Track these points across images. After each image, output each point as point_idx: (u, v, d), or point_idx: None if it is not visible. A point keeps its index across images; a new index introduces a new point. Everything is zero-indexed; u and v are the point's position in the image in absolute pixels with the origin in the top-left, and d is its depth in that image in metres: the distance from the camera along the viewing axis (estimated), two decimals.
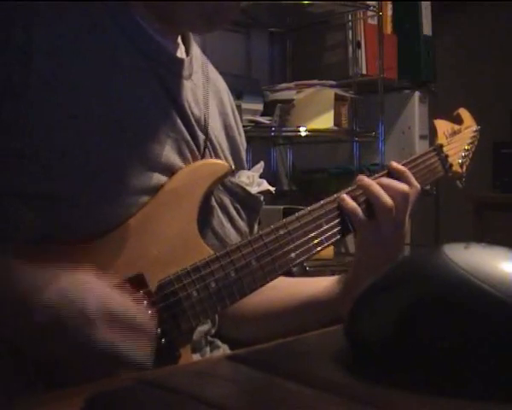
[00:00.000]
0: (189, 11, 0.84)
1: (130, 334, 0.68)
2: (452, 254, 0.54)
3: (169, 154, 0.83)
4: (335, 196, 0.91)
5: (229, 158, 0.95)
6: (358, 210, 0.89)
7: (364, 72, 2.62)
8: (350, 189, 0.92)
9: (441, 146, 1.06)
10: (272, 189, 1.00)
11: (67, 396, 0.56)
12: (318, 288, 0.99)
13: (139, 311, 0.71)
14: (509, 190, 2.65)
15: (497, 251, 0.55)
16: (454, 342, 0.51)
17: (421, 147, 2.68)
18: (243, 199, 0.93)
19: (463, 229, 2.70)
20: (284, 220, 0.85)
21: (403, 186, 0.91)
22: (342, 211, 0.90)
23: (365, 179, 0.92)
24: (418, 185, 0.94)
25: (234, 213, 0.92)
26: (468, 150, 1.11)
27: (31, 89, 0.74)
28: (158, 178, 0.81)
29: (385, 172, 0.95)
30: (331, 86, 2.47)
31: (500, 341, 0.50)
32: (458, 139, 1.10)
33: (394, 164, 0.95)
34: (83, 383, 0.67)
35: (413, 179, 0.94)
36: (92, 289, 0.68)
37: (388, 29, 2.68)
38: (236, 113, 1.03)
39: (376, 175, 0.94)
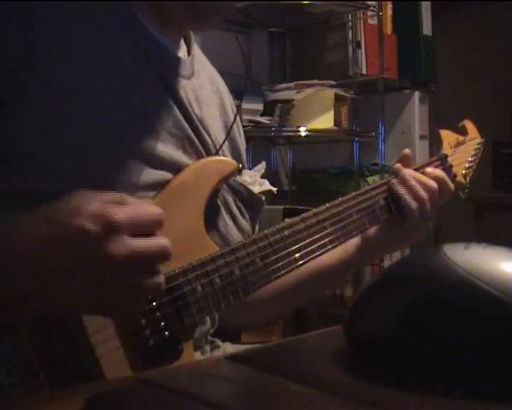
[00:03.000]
0: (175, 5, 0.84)
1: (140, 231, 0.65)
2: (452, 254, 0.54)
3: (173, 151, 0.83)
4: (340, 199, 0.92)
5: (230, 158, 0.95)
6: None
7: (364, 72, 2.62)
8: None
9: (446, 156, 1.08)
10: (274, 189, 1.01)
11: (67, 396, 0.56)
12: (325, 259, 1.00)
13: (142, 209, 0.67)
14: (509, 190, 2.65)
15: (497, 251, 0.55)
16: (454, 342, 0.51)
17: (421, 147, 2.68)
18: (246, 198, 0.94)
19: (463, 229, 2.69)
20: (290, 221, 0.86)
21: (434, 184, 0.99)
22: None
23: (403, 171, 0.98)
24: (452, 186, 1.03)
25: (236, 211, 0.93)
26: (471, 162, 1.13)
27: (31, 89, 0.74)
28: (163, 174, 0.82)
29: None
30: (331, 86, 2.48)
31: (500, 341, 0.50)
32: (462, 150, 1.13)
33: (430, 170, 1.02)
34: (83, 380, 0.67)
35: (449, 182, 1.03)
36: (88, 203, 0.63)
37: (388, 29, 2.68)
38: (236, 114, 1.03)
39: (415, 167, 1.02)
